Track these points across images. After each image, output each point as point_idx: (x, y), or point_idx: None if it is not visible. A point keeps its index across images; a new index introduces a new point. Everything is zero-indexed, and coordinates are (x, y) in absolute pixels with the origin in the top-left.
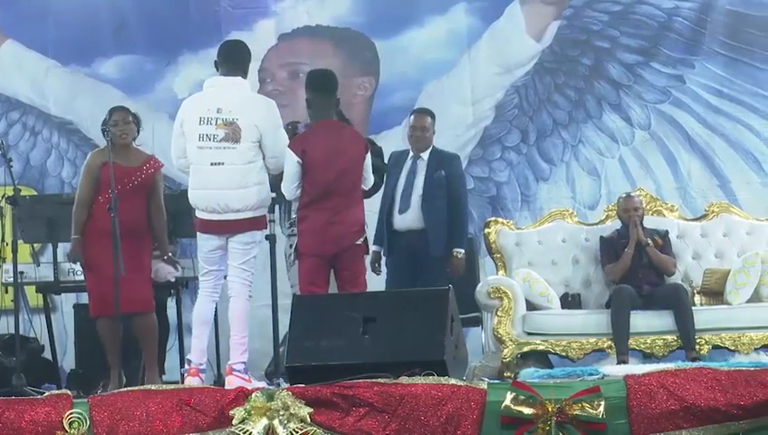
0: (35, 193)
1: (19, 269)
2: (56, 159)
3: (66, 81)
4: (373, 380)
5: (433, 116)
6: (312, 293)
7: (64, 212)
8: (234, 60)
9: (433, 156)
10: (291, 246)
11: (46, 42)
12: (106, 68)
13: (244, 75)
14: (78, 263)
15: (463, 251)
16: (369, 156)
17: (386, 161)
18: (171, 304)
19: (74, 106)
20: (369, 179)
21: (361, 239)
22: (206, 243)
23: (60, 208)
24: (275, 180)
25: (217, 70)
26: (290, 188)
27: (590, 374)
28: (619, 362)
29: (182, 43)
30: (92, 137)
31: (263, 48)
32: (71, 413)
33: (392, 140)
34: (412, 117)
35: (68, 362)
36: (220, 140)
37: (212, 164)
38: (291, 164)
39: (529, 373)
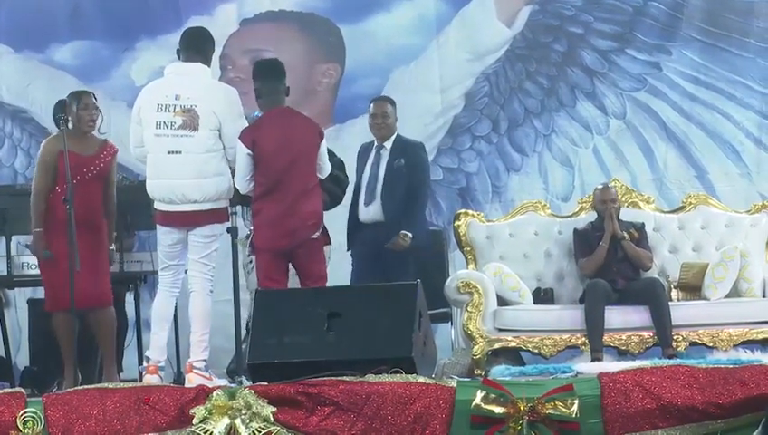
0: None
1: None
2: (9, 149)
3: (19, 67)
4: (338, 378)
5: (393, 103)
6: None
7: (18, 204)
8: (195, 46)
9: (396, 144)
10: (248, 254)
11: None
12: (61, 54)
13: (206, 62)
14: (47, 256)
15: (410, 235)
16: (323, 143)
17: (347, 173)
18: (129, 299)
19: (28, 94)
20: (326, 168)
21: (317, 233)
22: (165, 236)
23: (13, 200)
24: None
25: (179, 58)
26: (242, 182)
27: (564, 372)
28: (593, 360)
29: (140, 29)
30: (47, 126)
31: (224, 34)
32: (25, 412)
33: (358, 129)
34: (372, 105)
35: (22, 359)
36: (177, 127)
37: (169, 152)
38: (241, 156)
39: (500, 371)
